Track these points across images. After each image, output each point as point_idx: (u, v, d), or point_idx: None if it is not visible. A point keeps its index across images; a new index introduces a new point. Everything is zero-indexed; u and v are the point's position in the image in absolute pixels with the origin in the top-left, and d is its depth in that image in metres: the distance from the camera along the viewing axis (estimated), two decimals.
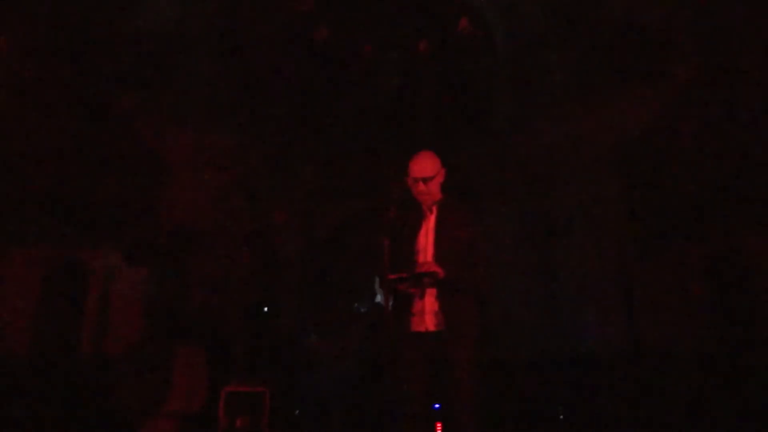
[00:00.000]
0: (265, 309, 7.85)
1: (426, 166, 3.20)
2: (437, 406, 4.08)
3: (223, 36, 8.76)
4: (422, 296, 3.05)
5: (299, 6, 8.57)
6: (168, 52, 8.24)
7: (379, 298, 5.88)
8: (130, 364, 5.03)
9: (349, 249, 8.95)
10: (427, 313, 3.03)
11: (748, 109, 6.13)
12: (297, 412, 6.38)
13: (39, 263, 6.66)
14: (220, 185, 8.18)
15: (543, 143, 8.55)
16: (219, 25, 8.71)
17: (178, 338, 6.43)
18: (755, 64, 5.84)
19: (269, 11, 8.83)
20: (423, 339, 3.02)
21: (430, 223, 3.20)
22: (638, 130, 7.31)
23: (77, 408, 5.26)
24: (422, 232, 3.18)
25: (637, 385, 5.84)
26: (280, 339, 7.46)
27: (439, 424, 4.58)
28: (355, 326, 7.21)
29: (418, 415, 2.96)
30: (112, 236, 7.09)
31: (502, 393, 5.87)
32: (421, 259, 3.10)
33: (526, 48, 8.83)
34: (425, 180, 3.17)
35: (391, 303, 2.99)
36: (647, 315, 6.67)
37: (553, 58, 8.55)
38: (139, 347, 5.79)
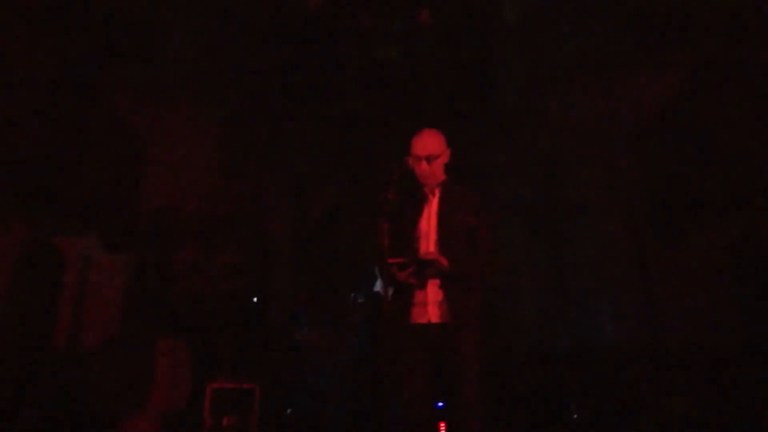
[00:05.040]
0: (254, 299, 7.82)
1: (431, 144, 3.15)
2: (440, 404, 4.06)
3: (210, 6, 8.66)
4: (423, 286, 2.99)
5: None
6: (149, 23, 8.13)
7: (377, 287, 5.85)
8: (108, 358, 5.01)
9: (344, 234, 8.91)
10: (430, 304, 2.98)
11: None
12: (289, 410, 6.38)
13: (9, 249, 6.60)
14: (206, 166, 8.12)
15: (554, 121, 8.47)
16: None
17: (160, 331, 6.41)
18: None
19: None
20: (425, 331, 2.98)
21: (433, 207, 3.15)
22: (657, 107, 7.24)
23: (51, 405, 5.23)
24: (424, 216, 3.13)
25: (657, 382, 5.83)
26: (270, 332, 7.44)
27: (442, 424, 4.56)
28: (351, 318, 7.19)
29: (419, 414, 2.92)
30: (89, 221, 7.03)
31: (511, 390, 5.86)
32: (423, 245, 3.06)
33: (536, 17, 8.73)
34: (429, 159, 3.12)
35: (390, 292, 2.93)
36: (668, 305, 6.64)
37: (567, 28, 8.45)
38: (118, 340, 5.77)
